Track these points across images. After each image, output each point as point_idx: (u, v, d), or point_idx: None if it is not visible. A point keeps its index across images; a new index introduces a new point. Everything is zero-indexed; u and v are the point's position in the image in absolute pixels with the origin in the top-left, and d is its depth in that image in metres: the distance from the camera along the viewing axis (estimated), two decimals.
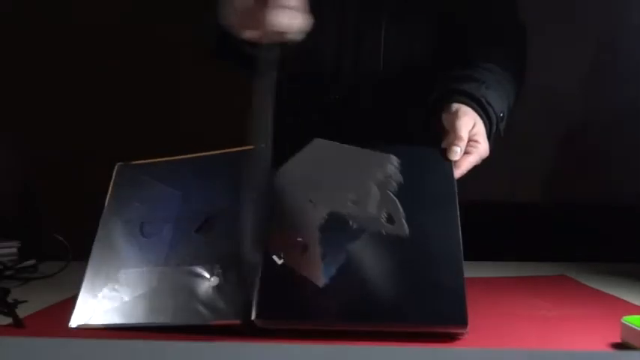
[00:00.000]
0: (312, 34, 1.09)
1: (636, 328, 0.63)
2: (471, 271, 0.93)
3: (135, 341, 0.63)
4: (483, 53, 1.03)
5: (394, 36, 1.08)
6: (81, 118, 1.86)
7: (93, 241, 0.80)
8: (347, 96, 1.10)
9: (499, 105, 0.92)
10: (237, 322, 0.69)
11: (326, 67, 1.11)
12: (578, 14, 1.87)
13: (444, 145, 0.83)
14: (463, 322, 0.67)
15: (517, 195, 1.82)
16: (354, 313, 0.68)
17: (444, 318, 0.68)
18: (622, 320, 0.65)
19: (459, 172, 0.81)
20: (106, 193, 0.84)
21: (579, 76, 1.89)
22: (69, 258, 1.02)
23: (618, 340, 0.66)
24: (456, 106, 0.87)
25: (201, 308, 0.70)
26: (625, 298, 0.87)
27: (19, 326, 0.72)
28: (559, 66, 1.86)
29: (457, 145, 0.81)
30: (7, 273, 1.01)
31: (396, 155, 0.80)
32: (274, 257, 0.72)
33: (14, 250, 1.17)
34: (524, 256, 1.15)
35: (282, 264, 0.71)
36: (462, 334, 0.68)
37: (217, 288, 0.71)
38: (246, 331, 0.68)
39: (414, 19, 1.08)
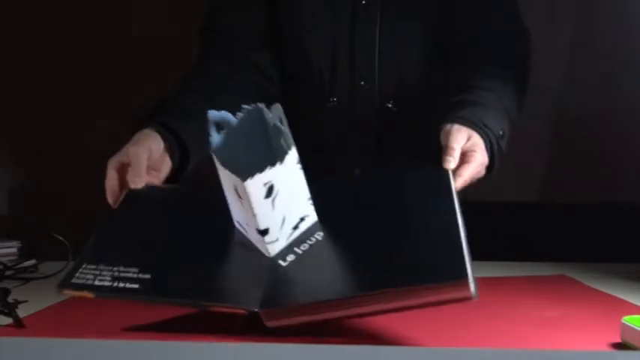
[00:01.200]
0: (309, 39, 1.10)
1: (636, 328, 0.63)
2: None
3: (135, 341, 0.63)
4: (484, 66, 1.03)
5: (388, 42, 1.08)
6: (81, 117, 1.86)
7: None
8: (344, 100, 1.11)
9: (498, 124, 0.93)
10: (243, 311, 0.67)
11: (323, 71, 1.10)
12: (579, 14, 1.87)
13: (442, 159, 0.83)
14: (462, 274, 0.58)
15: (517, 195, 1.82)
16: (349, 286, 0.66)
17: (438, 273, 0.60)
18: (622, 320, 0.65)
19: (461, 181, 0.82)
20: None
21: (580, 76, 1.89)
22: (69, 258, 1.02)
23: (618, 340, 0.66)
24: (449, 124, 0.89)
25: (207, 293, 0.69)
26: (625, 298, 0.87)
27: (19, 326, 0.72)
28: (560, 66, 1.86)
29: (450, 155, 0.83)
30: (7, 273, 1.01)
31: (397, 174, 0.79)
32: (279, 262, 0.71)
33: (14, 250, 1.17)
34: (524, 256, 1.15)
35: (287, 266, 0.70)
36: (466, 297, 0.59)
37: (224, 278, 0.71)
38: (248, 322, 0.67)
39: (409, 20, 1.08)
